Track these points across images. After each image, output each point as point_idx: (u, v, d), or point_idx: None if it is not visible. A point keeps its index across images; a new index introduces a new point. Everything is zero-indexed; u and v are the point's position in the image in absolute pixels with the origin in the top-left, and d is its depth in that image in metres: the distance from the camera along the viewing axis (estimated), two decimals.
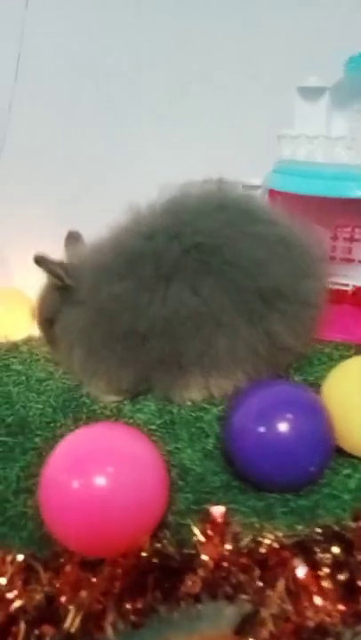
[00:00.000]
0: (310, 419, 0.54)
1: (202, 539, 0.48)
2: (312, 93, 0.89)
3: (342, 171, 0.81)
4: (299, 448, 0.52)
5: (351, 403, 0.58)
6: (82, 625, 0.42)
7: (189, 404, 0.73)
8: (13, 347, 0.92)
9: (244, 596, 0.43)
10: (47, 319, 0.76)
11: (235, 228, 0.68)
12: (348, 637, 0.41)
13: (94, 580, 0.45)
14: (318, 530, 0.47)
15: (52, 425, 0.70)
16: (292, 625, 0.41)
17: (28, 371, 0.84)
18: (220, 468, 0.61)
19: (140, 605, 0.42)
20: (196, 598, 0.43)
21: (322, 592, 0.43)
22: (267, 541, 0.46)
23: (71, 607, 0.42)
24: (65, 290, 0.71)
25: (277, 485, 0.53)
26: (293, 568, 0.44)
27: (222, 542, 0.48)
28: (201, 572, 0.45)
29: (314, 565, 0.44)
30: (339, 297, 0.88)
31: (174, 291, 0.66)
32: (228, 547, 0.47)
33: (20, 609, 0.43)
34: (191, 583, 0.44)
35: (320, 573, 0.44)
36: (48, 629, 0.42)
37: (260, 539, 0.47)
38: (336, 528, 0.47)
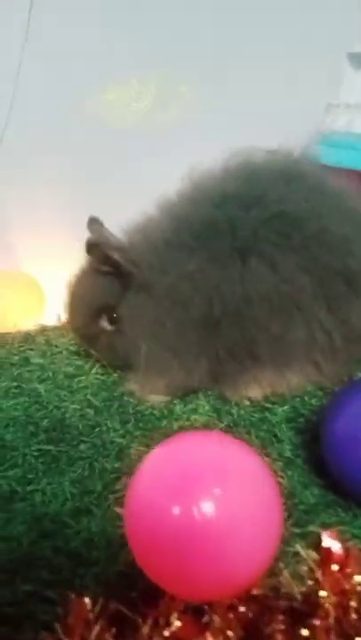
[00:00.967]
0: None
1: (318, 572, 0.39)
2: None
3: None
4: None
5: None
6: None
7: (247, 402, 0.64)
8: (28, 337, 0.81)
9: None
10: (100, 309, 0.64)
11: (318, 199, 0.59)
12: None
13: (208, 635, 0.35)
14: None
15: (98, 429, 0.60)
16: None
17: (51, 365, 0.73)
18: (308, 480, 0.52)
19: None
20: None
21: None
22: None
23: None
24: (124, 275, 0.60)
25: None
26: None
27: (346, 575, 0.39)
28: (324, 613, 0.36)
29: None
30: None
31: (252, 266, 0.58)
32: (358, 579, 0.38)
33: None
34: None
35: None
36: None
37: None
38: None
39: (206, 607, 0.37)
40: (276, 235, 0.57)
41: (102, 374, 0.70)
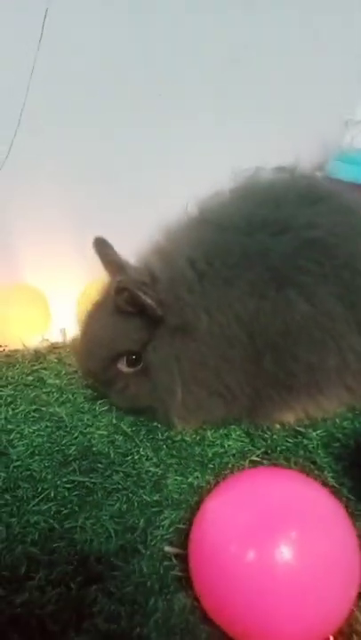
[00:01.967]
0: None
1: None
2: None
3: None
4: None
5: None
6: None
7: (278, 426, 0.62)
8: (39, 356, 0.77)
9: None
10: (120, 354, 0.58)
11: (344, 221, 0.58)
12: None
13: None
14: None
15: (130, 458, 0.57)
16: None
17: (68, 386, 0.70)
18: (357, 510, 0.50)
19: None
20: None
21: None
22: None
23: None
24: (153, 317, 0.56)
25: None
26: None
27: None
28: None
29: None
30: None
31: (287, 296, 0.55)
32: None
33: None
34: None
35: None
36: None
37: None
38: None
39: None
40: (309, 263, 0.56)
41: None
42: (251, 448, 0.60)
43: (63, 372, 0.74)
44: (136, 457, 0.57)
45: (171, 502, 0.52)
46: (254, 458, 0.58)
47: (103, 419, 0.64)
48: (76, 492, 0.52)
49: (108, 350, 0.58)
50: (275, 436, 0.62)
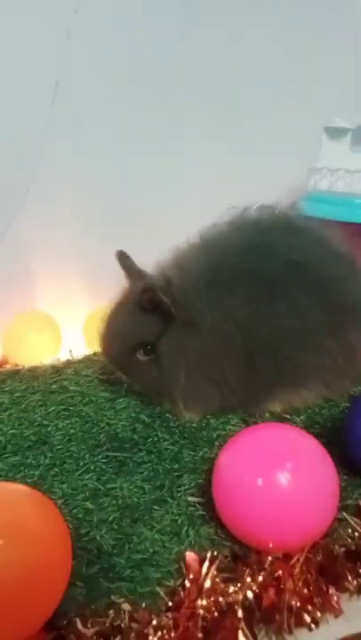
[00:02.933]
0: None
1: None
2: (337, 133, 0.99)
3: None
4: None
5: None
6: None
7: (267, 415, 0.76)
8: (58, 369, 0.90)
9: None
10: (138, 344, 0.72)
11: (318, 249, 0.74)
12: None
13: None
14: None
15: (150, 440, 0.70)
16: None
17: (88, 391, 0.83)
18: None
19: None
20: None
21: None
22: None
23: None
24: (167, 314, 0.69)
25: None
26: None
27: None
28: None
29: None
30: None
31: (277, 306, 0.69)
32: None
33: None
34: None
35: None
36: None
37: None
38: None
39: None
40: (293, 280, 0.70)
41: (137, 398, 0.80)
42: None
43: (82, 381, 0.87)
44: (155, 439, 0.70)
45: (187, 469, 0.64)
46: None
47: (123, 413, 0.76)
48: (110, 465, 0.65)
49: (129, 340, 0.72)
50: (265, 421, 0.75)
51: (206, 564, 0.47)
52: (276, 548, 0.48)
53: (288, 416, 0.76)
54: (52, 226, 1.05)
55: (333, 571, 0.47)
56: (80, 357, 0.97)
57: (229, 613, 0.44)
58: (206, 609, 0.44)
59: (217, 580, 0.46)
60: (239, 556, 0.49)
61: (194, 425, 0.74)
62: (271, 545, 0.47)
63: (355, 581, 0.46)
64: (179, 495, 0.59)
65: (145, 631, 0.42)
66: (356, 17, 1.11)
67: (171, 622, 0.43)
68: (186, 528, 0.54)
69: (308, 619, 0.44)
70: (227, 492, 0.50)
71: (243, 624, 0.43)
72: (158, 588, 0.46)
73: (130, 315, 0.73)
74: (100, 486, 0.60)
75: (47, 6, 0.94)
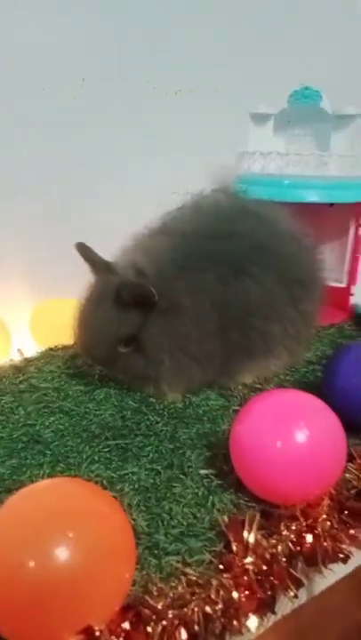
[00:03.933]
0: None
1: None
2: (261, 118, 1.06)
3: (297, 180, 0.98)
4: None
5: None
6: None
7: (240, 387, 0.82)
8: (19, 368, 0.88)
9: None
10: (123, 337, 0.73)
11: (272, 228, 0.80)
12: None
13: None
14: None
15: (143, 424, 0.72)
16: None
17: (61, 387, 0.82)
18: None
19: None
20: None
21: None
22: None
23: None
24: (148, 303, 0.71)
25: None
26: None
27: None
28: None
29: None
30: None
31: (244, 283, 0.75)
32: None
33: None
34: None
35: None
36: None
37: None
38: None
39: None
40: (254, 257, 0.76)
41: (114, 387, 0.82)
42: (228, 403, 0.78)
43: (49, 378, 0.86)
44: (148, 423, 0.72)
45: (188, 446, 0.68)
46: (235, 408, 0.76)
47: (106, 403, 0.77)
48: (114, 453, 0.66)
49: (112, 337, 0.73)
50: (242, 393, 0.81)
51: (246, 525, 0.50)
52: (301, 499, 0.53)
53: (260, 385, 0.82)
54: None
55: (352, 510, 0.53)
56: (37, 354, 0.95)
57: (274, 563, 0.49)
58: (254, 564, 0.48)
59: (258, 536, 0.50)
60: (269, 512, 0.53)
61: (178, 405, 0.77)
62: (296, 497, 0.52)
63: None
64: (190, 471, 0.62)
65: (210, 594, 0.45)
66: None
67: (231, 581, 0.46)
68: (209, 498, 0.57)
69: (341, 555, 0.50)
70: (248, 458, 0.54)
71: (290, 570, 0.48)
72: (206, 555, 0.49)
73: (108, 310, 0.73)
74: (112, 474, 0.61)
75: None
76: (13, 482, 0.60)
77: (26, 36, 0.99)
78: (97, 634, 0.40)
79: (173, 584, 0.46)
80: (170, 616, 0.43)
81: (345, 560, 0.50)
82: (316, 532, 0.50)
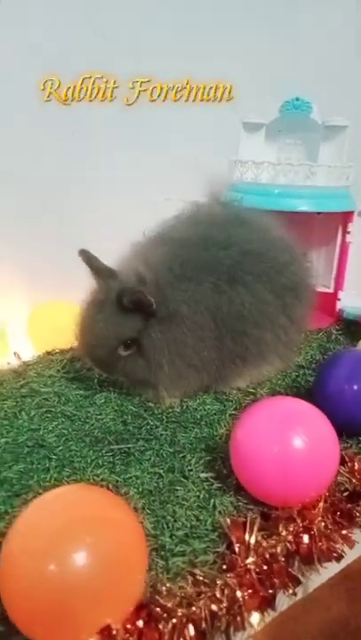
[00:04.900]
0: None
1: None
2: (253, 127, 1.09)
3: (287, 190, 1.01)
4: None
5: None
6: None
7: (235, 391, 0.85)
8: (20, 373, 0.91)
9: None
10: (123, 340, 0.76)
11: (265, 237, 0.84)
12: None
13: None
14: None
15: (144, 428, 0.75)
16: None
17: (62, 391, 0.85)
18: None
19: None
20: None
21: None
22: None
23: None
24: (148, 310, 0.74)
25: None
26: None
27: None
28: None
29: None
30: None
31: (238, 292, 0.78)
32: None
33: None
34: None
35: None
36: None
37: None
38: None
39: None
40: (248, 267, 0.79)
41: (114, 391, 0.84)
42: (224, 407, 0.81)
43: (49, 382, 0.88)
44: (148, 427, 0.75)
45: (187, 450, 0.71)
46: (230, 412, 0.79)
47: (107, 408, 0.80)
48: (118, 457, 0.69)
49: (113, 340, 0.76)
50: (236, 397, 0.84)
51: (248, 527, 0.54)
52: (298, 501, 0.56)
53: (253, 390, 0.85)
54: None
55: (344, 512, 0.57)
56: (35, 358, 0.97)
57: (273, 563, 0.52)
58: (255, 564, 0.52)
59: (259, 537, 0.53)
60: (267, 514, 0.57)
61: (176, 410, 0.80)
62: (293, 500, 0.56)
63: None
64: (191, 474, 0.65)
65: (215, 593, 0.49)
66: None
67: (234, 580, 0.49)
68: (211, 501, 0.60)
69: (335, 554, 0.54)
70: (248, 463, 0.58)
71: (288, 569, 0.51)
72: (210, 556, 0.53)
73: (110, 314, 0.76)
74: (117, 478, 0.64)
75: None
76: (22, 487, 0.63)
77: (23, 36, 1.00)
78: (114, 632, 0.42)
79: (181, 584, 0.49)
80: (179, 614, 0.46)
81: (338, 559, 0.53)
82: (313, 532, 0.54)
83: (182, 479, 0.64)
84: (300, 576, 0.52)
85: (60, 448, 0.70)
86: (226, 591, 0.49)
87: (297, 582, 0.51)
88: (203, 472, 0.65)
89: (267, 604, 0.49)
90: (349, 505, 0.58)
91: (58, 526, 0.43)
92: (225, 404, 0.82)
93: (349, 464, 0.64)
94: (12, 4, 0.95)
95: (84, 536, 0.43)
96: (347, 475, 0.63)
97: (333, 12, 1.23)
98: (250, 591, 0.49)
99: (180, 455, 0.69)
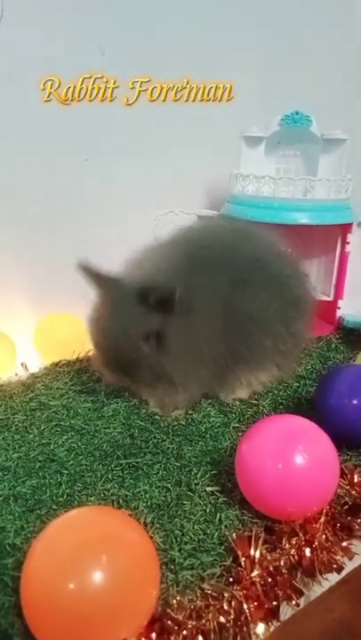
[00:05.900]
0: None
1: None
2: (253, 141, 1.11)
3: (288, 203, 1.04)
4: None
5: None
6: None
7: (237, 402, 0.88)
8: (29, 386, 0.93)
9: None
10: (146, 334, 0.74)
11: (269, 248, 0.86)
12: None
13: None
14: None
15: (151, 442, 0.78)
16: None
17: (70, 404, 0.88)
18: None
19: None
20: None
21: None
22: None
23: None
24: (170, 303, 0.73)
25: None
26: None
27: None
28: None
29: None
30: None
31: (248, 292, 0.80)
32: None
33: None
34: None
35: None
36: None
37: None
38: None
39: None
40: (257, 272, 0.82)
41: (121, 403, 0.87)
42: (227, 420, 0.84)
43: (57, 395, 0.91)
44: (155, 441, 0.78)
45: (193, 463, 0.74)
46: (234, 425, 0.82)
47: (114, 421, 0.83)
48: (127, 471, 0.72)
49: (135, 335, 0.74)
50: (239, 409, 0.87)
51: (253, 542, 0.57)
52: (300, 516, 0.59)
53: (255, 401, 0.88)
54: None
55: (344, 524, 0.60)
56: (43, 370, 1.00)
57: (277, 575, 0.55)
58: (260, 576, 0.55)
59: (263, 551, 0.56)
60: (271, 528, 0.60)
61: (181, 422, 0.83)
62: (295, 514, 0.59)
63: None
64: (197, 488, 0.68)
65: (223, 605, 0.52)
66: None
67: (241, 593, 0.53)
68: (217, 515, 0.63)
69: (335, 566, 0.57)
70: (252, 478, 0.61)
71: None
72: (217, 569, 0.56)
73: (129, 312, 0.75)
74: (126, 492, 0.67)
75: None
76: (35, 502, 0.65)
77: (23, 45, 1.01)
78: None
79: (191, 597, 0.52)
80: (189, 626, 0.49)
81: (338, 570, 0.56)
82: (314, 545, 0.57)
83: (189, 493, 0.67)
84: (302, 587, 0.55)
85: (71, 462, 0.72)
86: (233, 603, 0.52)
87: (300, 594, 0.54)
88: (208, 486, 0.68)
89: (272, 615, 0.52)
90: (349, 518, 0.61)
91: (75, 547, 0.46)
92: (228, 416, 0.84)
93: (349, 477, 0.67)
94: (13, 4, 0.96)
95: (100, 555, 0.46)
96: (346, 487, 0.65)
97: (333, 27, 1.25)
98: (255, 603, 0.52)
99: (187, 469, 0.71)
